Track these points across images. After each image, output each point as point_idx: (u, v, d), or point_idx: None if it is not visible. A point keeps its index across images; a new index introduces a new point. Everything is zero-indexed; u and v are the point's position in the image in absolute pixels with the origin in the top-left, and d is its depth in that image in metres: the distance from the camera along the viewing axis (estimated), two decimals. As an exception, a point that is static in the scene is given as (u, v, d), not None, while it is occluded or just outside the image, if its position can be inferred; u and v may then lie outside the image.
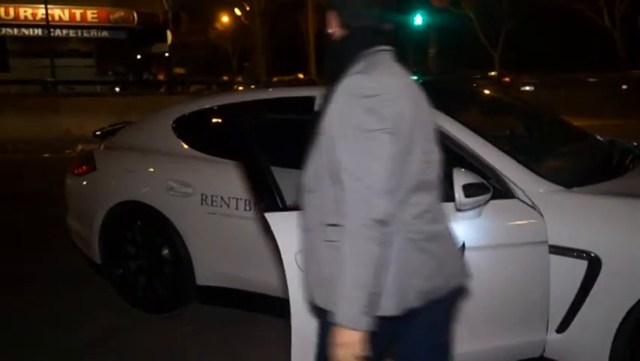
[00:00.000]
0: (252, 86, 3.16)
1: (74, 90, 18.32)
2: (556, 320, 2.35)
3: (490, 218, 2.32)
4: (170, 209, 3.29)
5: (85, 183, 3.69)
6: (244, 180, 2.95)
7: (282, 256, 1.95)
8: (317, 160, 1.54)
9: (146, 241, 3.42)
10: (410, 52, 24.65)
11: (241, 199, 3.06)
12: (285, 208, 2.02)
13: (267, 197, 1.99)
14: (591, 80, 19.41)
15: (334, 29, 1.58)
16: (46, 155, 10.60)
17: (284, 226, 1.96)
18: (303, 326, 1.98)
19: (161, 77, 26.12)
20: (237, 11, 27.55)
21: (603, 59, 24.15)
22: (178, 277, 3.34)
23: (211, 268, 3.27)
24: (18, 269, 4.23)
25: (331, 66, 1.56)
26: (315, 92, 3.03)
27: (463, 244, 2.18)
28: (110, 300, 3.61)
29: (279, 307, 3.09)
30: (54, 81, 18.57)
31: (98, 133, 4.03)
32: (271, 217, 1.96)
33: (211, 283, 3.29)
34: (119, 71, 23.97)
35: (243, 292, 3.19)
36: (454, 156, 2.43)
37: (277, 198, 1.98)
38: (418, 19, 14.53)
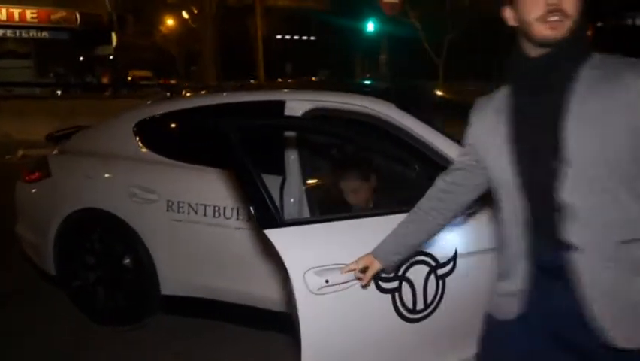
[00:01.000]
0: (203, 91, 3.08)
1: (12, 92, 17.48)
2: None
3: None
4: (133, 216, 3.17)
5: (37, 190, 3.49)
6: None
7: (290, 274, 1.88)
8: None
9: (107, 249, 3.28)
10: (360, 58, 25.00)
11: (209, 205, 2.98)
12: (284, 223, 1.93)
13: (265, 212, 1.89)
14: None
15: None
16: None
17: (288, 242, 1.91)
18: (314, 345, 1.93)
19: (105, 80, 25.31)
20: (185, 14, 27.07)
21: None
22: (141, 286, 3.21)
23: (177, 276, 3.16)
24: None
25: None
26: (285, 97, 3.04)
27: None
28: (66, 314, 3.43)
29: (247, 315, 3.05)
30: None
31: (51, 136, 3.83)
32: (273, 234, 1.89)
33: (177, 293, 3.18)
34: (60, 73, 23.05)
35: (211, 301, 3.10)
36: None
37: (274, 213, 1.90)
38: (370, 26, 14.73)
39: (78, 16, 22.19)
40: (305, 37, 32.95)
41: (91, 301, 3.36)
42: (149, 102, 3.69)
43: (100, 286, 3.32)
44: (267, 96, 3.14)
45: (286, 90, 3.15)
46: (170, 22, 32.19)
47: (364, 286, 1.90)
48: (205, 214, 2.99)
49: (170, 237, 3.11)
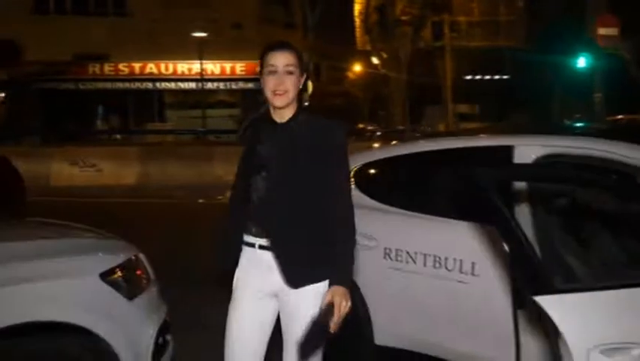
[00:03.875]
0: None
1: (221, 139, 19.60)
2: None
3: None
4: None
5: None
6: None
7: (570, 349, 1.69)
8: None
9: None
10: (560, 96, 23.34)
11: (429, 255, 2.91)
12: (559, 290, 1.74)
13: (534, 274, 1.72)
14: None
15: None
16: (200, 200, 11.28)
17: (566, 312, 1.71)
18: None
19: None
20: (375, 60, 28.22)
21: None
22: (355, 336, 3.22)
23: (390, 326, 3.12)
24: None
25: None
26: (513, 141, 2.88)
27: None
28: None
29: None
30: (205, 131, 20.08)
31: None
32: (547, 302, 1.71)
33: (390, 344, 3.13)
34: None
35: (426, 356, 2.99)
36: None
37: (546, 276, 1.72)
38: (582, 62, 13.70)
39: (279, 67, 24.24)
40: (497, 77, 32.01)
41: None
42: (372, 148, 3.78)
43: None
44: (492, 141, 3.01)
45: (513, 135, 3.00)
46: (357, 68, 33.74)
47: None
48: (425, 264, 2.92)
49: (387, 286, 3.09)
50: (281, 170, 2.07)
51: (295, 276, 2.08)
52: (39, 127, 20.74)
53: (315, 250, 2.07)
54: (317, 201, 2.07)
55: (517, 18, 31.07)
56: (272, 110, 2.15)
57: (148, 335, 2.54)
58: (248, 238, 2.14)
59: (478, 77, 31.46)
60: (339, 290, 1.99)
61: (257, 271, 2.13)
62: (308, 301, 2.07)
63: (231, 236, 2.18)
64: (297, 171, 2.05)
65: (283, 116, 2.12)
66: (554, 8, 23.57)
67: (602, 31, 9.85)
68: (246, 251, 2.16)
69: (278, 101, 2.07)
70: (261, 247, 2.10)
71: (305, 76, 2.16)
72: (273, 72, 2.07)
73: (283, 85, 2.05)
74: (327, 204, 2.07)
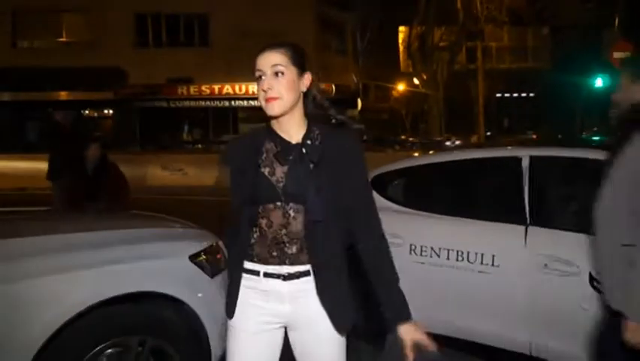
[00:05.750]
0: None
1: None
2: None
3: None
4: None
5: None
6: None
7: None
8: None
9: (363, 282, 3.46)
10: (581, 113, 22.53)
11: (452, 250, 2.96)
12: None
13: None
14: None
15: None
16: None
17: None
18: None
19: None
20: (416, 81, 27.90)
21: None
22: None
23: (416, 314, 3.16)
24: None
25: None
26: (522, 153, 2.91)
27: None
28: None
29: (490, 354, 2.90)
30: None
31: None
32: None
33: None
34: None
35: (452, 338, 3.01)
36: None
37: None
38: (599, 82, 13.19)
39: (333, 87, 24.47)
40: (524, 95, 31.07)
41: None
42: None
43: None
44: (504, 152, 3.06)
45: (520, 147, 3.05)
46: (400, 87, 33.49)
47: None
48: (448, 258, 2.97)
49: (412, 277, 3.13)
50: (301, 197, 1.54)
51: (342, 318, 1.59)
52: (138, 138, 21.72)
53: (346, 285, 1.62)
54: (346, 222, 1.61)
55: (542, 44, 30.21)
56: (273, 125, 1.60)
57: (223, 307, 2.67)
58: (248, 265, 1.62)
59: (507, 95, 30.65)
60: (412, 328, 1.56)
61: (261, 302, 1.61)
62: (330, 348, 1.61)
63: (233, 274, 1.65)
64: (321, 194, 1.54)
65: (289, 132, 1.58)
66: (575, 35, 22.80)
67: (616, 54, 9.52)
68: (246, 279, 1.62)
69: (271, 109, 1.53)
70: (267, 274, 1.59)
71: (308, 75, 1.59)
72: (261, 76, 1.55)
73: (273, 89, 1.52)
74: (357, 222, 1.62)
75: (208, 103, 24.77)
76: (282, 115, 1.56)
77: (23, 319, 2.05)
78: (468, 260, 2.88)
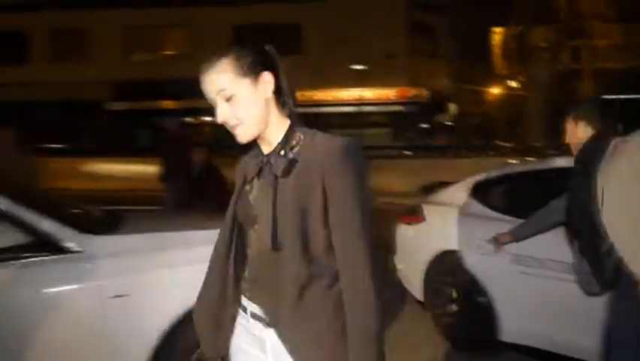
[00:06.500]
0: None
1: (369, 154, 19.78)
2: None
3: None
4: (478, 264, 3.26)
5: (414, 231, 3.89)
6: None
7: None
8: None
9: (464, 287, 3.42)
10: None
11: (560, 262, 2.84)
12: None
13: None
14: None
15: None
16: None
17: None
18: None
19: (442, 142, 26.66)
20: (513, 83, 26.67)
21: None
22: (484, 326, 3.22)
23: (516, 324, 3.10)
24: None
25: None
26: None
27: None
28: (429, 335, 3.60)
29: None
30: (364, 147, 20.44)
31: (426, 188, 4.24)
32: None
33: (516, 341, 3.13)
34: (410, 138, 25.29)
35: (551, 353, 2.95)
36: None
37: None
38: None
39: (425, 92, 24.11)
40: (636, 96, 28.40)
41: (450, 327, 3.52)
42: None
43: (458, 316, 3.46)
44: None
45: None
46: (495, 90, 32.14)
47: None
48: (552, 268, 2.87)
49: (512, 286, 3.07)
50: (269, 223, 1.24)
51: None
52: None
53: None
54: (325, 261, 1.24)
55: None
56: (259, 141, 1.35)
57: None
58: (243, 299, 1.37)
59: (616, 96, 28.23)
60: None
61: (249, 344, 1.36)
62: None
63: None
64: (291, 222, 1.23)
65: (272, 142, 1.32)
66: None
67: None
68: (240, 315, 1.38)
69: (240, 138, 1.29)
70: (253, 315, 1.32)
71: (267, 75, 1.29)
72: (214, 105, 1.29)
73: (230, 117, 1.27)
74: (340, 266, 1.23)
75: (300, 109, 25.55)
76: (253, 139, 1.31)
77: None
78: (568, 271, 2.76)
